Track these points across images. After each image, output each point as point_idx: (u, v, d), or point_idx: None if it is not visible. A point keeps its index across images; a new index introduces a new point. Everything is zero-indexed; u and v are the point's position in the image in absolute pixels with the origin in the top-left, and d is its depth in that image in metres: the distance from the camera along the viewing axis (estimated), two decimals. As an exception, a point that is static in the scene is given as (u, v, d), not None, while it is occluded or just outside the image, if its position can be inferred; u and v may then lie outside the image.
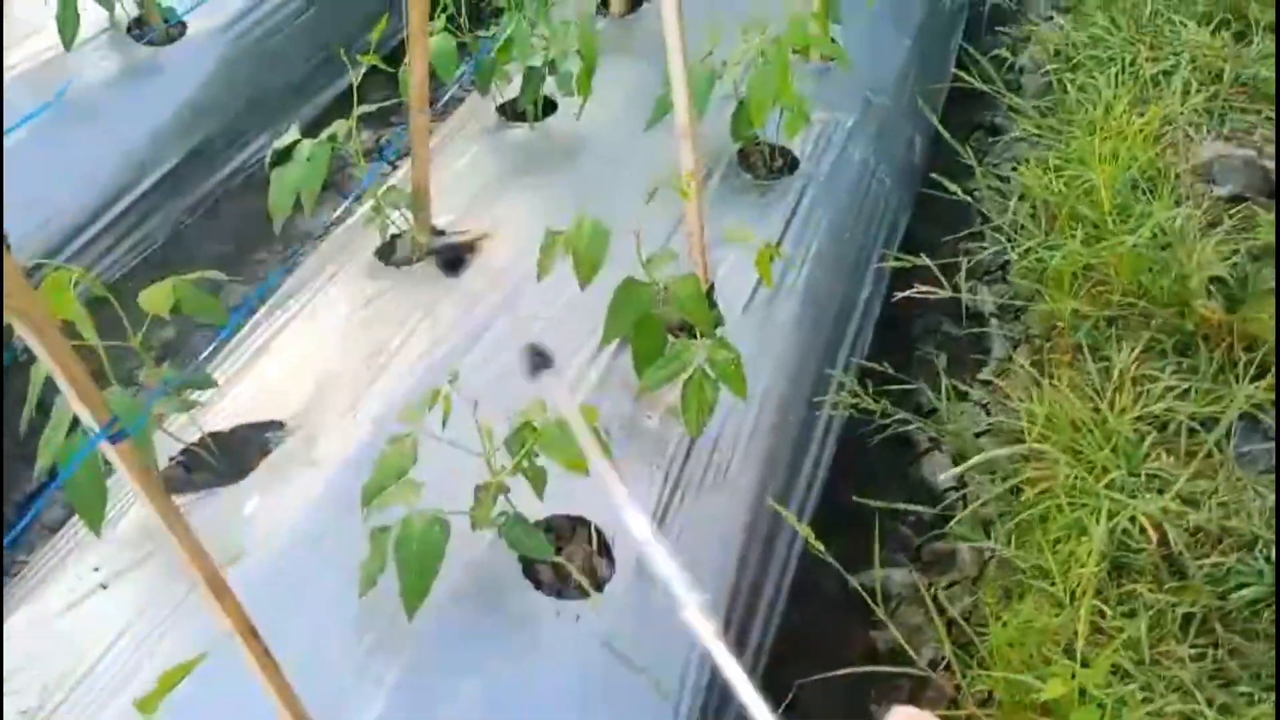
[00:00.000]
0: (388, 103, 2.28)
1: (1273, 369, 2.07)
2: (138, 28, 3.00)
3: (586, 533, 1.84)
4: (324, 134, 2.14)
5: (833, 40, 2.83)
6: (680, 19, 1.96)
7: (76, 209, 2.74)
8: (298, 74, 3.27)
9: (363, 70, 2.10)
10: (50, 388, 1.68)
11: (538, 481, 1.64)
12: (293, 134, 2.05)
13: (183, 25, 3.06)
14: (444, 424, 1.65)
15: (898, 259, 2.31)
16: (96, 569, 1.81)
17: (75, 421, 1.58)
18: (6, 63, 2.88)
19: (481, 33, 2.53)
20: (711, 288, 2.26)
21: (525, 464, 1.61)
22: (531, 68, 2.49)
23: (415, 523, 1.52)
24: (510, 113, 2.74)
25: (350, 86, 2.16)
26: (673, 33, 1.98)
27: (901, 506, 2.01)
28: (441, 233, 2.41)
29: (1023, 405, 2.02)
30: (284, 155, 2.05)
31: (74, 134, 2.78)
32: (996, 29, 3.51)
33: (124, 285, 2.85)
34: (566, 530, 1.84)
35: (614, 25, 3.12)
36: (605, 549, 1.82)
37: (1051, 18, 3.71)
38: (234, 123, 3.09)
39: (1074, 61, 2.91)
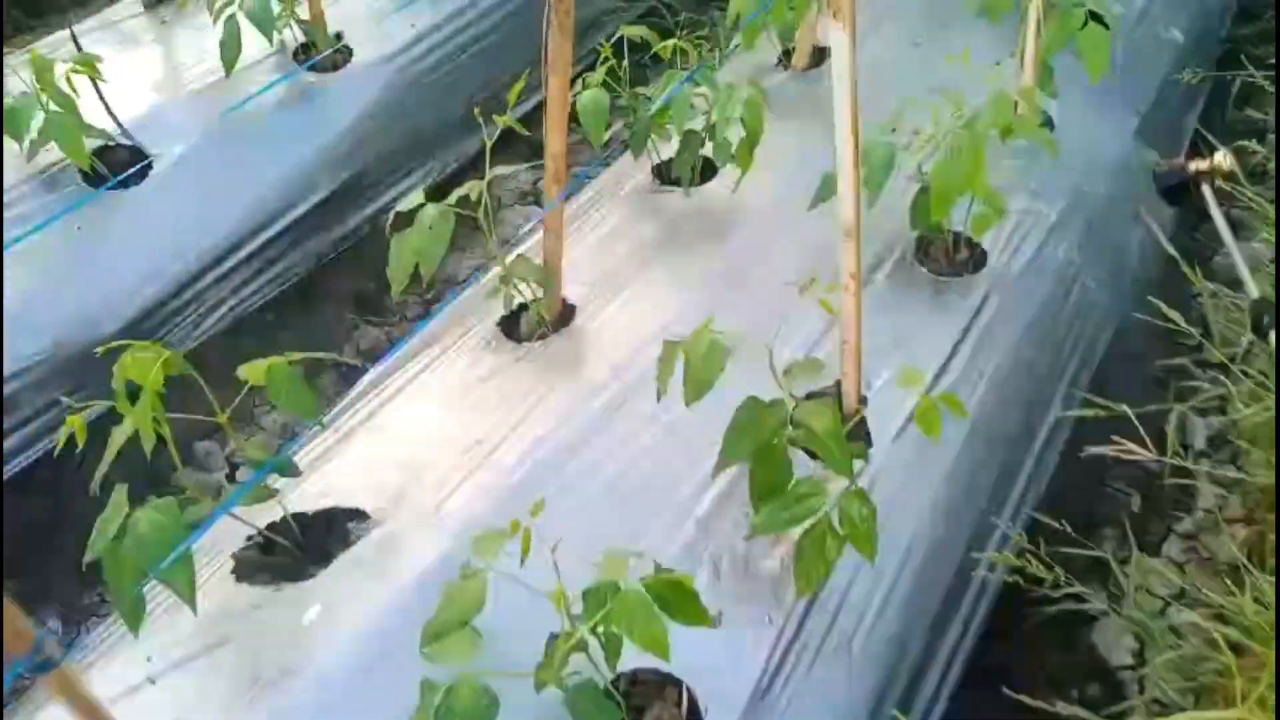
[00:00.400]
0: (532, 164, 2.08)
1: None
2: (304, 53, 2.93)
3: (676, 693, 1.58)
4: (452, 196, 1.97)
5: (1044, 120, 2.48)
6: (853, 95, 1.67)
7: (220, 236, 2.69)
8: (461, 107, 3.13)
9: (498, 130, 1.91)
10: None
11: (612, 650, 1.39)
12: (416, 197, 1.88)
13: (349, 51, 2.98)
14: (522, 562, 1.44)
15: (1089, 402, 1.92)
16: (149, 658, 1.69)
17: (126, 520, 1.46)
18: (175, 82, 2.87)
19: (642, 89, 2.30)
20: (863, 404, 1.96)
21: (599, 629, 1.37)
22: (690, 132, 2.25)
23: (464, 690, 1.31)
24: (665, 175, 2.51)
25: (507, 127, 1.95)
26: (843, 112, 1.70)
27: (1062, 710, 1.65)
28: (572, 307, 2.21)
29: (1226, 600, 1.62)
30: (406, 219, 1.89)
31: (226, 159, 2.73)
32: (1246, 108, 3.01)
33: (260, 318, 2.79)
34: (653, 688, 1.59)
35: (794, 80, 2.84)
36: (695, 718, 1.56)
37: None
38: (392, 155, 2.99)
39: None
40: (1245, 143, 2.46)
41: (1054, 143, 2.08)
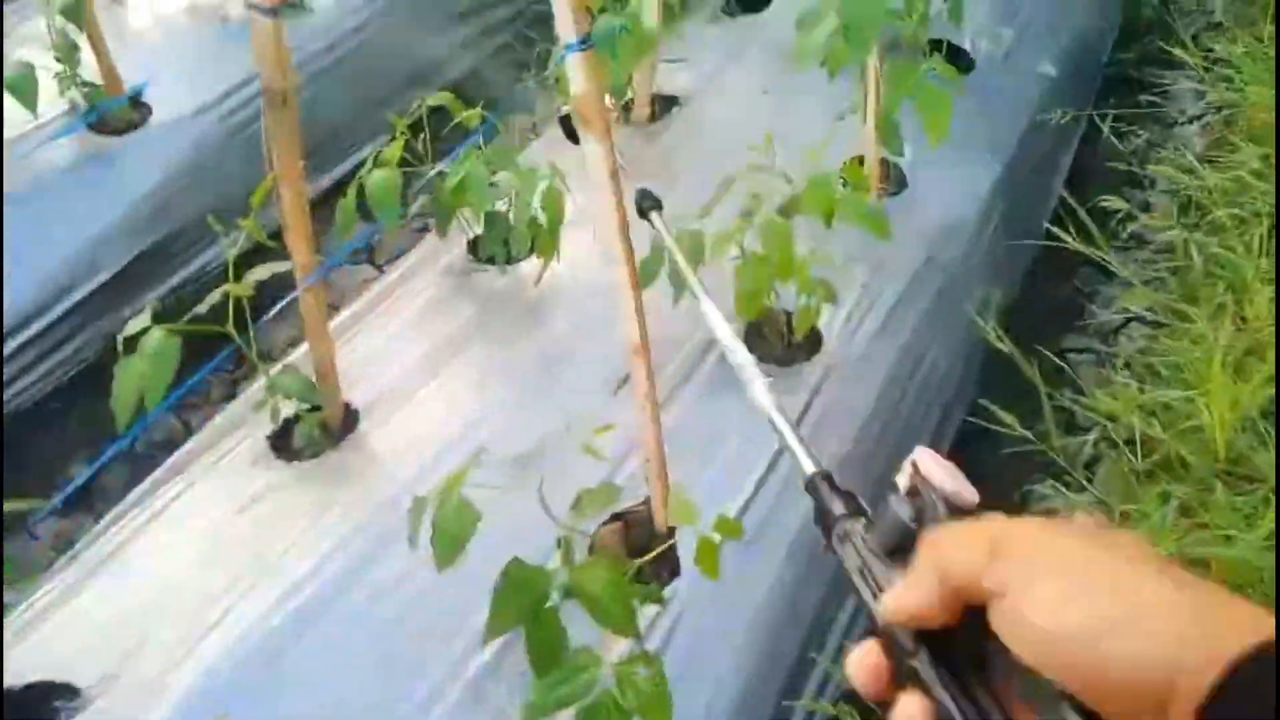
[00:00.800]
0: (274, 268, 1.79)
1: None
2: (95, 112, 2.63)
3: None
4: (204, 304, 1.72)
5: (895, 177, 2.29)
6: (620, 208, 1.45)
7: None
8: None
9: (240, 241, 1.67)
10: None
11: None
12: (144, 319, 1.62)
13: (147, 109, 2.69)
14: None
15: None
16: None
17: None
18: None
19: (443, 166, 2.05)
20: (673, 530, 1.73)
21: None
22: (493, 214, 2.01)
23: None
24: (480, 250, 2.26)
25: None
26: (612, 226, 1.48)
27: None
28: (356, 412, 1.96)
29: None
30: (133, 343, 1.63)
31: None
32: (1123, 141, 2.80)
33: (39, 412, 2.50)
34: None
35: (635, 134, 2.61)
36: None
37: (1196, 121, 3.03)
38: (194, 224, 2.69)
39: (1207, 217, 2.23)
40: (1108, 199, 2.27)
41: (883, 225, 1.86)
